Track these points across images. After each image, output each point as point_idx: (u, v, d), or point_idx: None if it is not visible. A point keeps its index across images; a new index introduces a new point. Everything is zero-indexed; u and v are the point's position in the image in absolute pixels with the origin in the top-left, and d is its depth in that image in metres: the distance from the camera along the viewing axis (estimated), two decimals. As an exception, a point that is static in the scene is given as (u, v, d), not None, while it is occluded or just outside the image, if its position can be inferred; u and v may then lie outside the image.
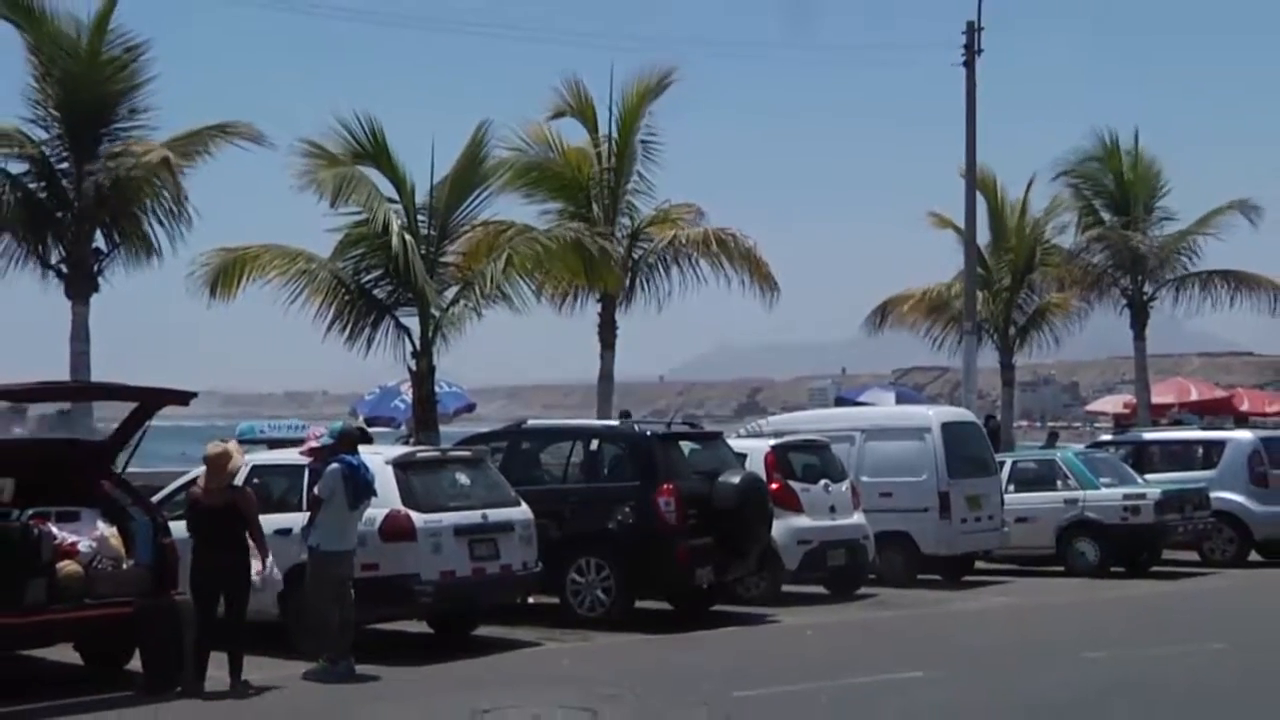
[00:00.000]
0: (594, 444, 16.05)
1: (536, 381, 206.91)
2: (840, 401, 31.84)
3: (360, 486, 11.91)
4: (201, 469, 11.92)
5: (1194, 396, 36.75)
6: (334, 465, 11.92)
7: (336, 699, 10.79)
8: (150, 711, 10.51)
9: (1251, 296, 30.03)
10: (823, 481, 17.28)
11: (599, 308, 23.73)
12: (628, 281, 23.53)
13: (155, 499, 13.20)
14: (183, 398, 12.83)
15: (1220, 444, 22.24)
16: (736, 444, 17.26)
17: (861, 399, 29.51)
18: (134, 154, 20.02)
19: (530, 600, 14.68)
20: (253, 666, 11.57)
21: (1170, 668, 11.92)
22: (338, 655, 11.62)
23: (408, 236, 19.59)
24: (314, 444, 12.70)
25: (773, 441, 17.63)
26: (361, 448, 12.76)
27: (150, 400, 12.73)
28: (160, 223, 20.65)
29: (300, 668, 11.70)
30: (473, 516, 13.18)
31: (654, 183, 24.17)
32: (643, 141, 23.82)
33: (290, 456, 13.47)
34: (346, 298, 19.88)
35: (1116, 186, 30.03)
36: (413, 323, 20.08)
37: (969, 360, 27.41)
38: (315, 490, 12.01)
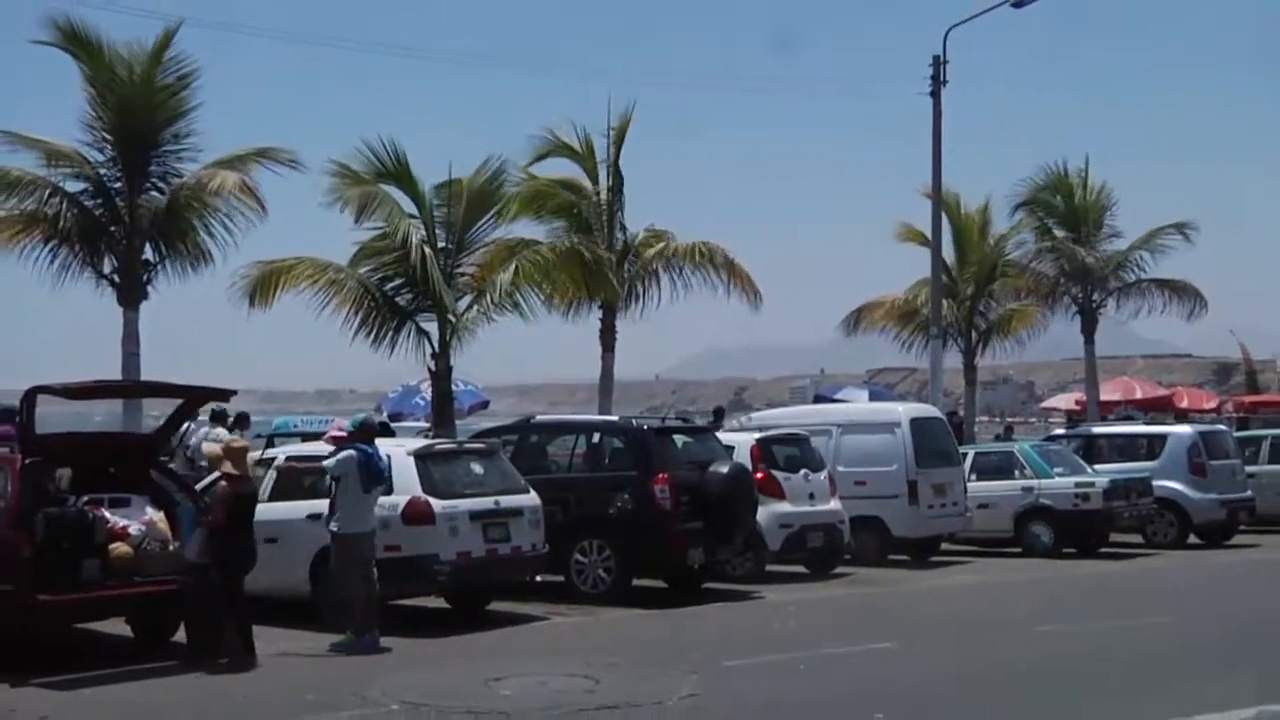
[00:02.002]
0: (596, 437, 16.04)
1: (544, 380, 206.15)
2: (819, 399, 31.80)
3: (373, 473, 11.86)
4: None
5: (1139, 395, 36.84)
6: (349, 451, 11.89)
7: (361, 668, 10.76)
8: (192, 679, 10.51)
9: (1181, 302, 30.23)
10: (803, 471, 17.25)
11: (600, 314, 23.77)
12: (624, 290, 23.57)
13: (198, 486, 13.19)
14: (223, 395, 12.84)
15: (1162, 437, 22.20)
16: (725, 437, 17.25)
17: (838, 396, 29.50)
18: (201, 179, 20.06)
19: (538, 579, 14.66)
20: (285, 639, 11.58)
21: (1118, 639, 11.91)
22: (363, 629, 11.60)
23: (427, 249, 19.65)
24: (336, 433, 12.67)
25: (758, 435, 17.64)
26: (385, 441, 12.72)
27: (194, 397, 12.73)
28: (213, 236, 20.67)
29: (329, 640, 11.68)
30: (486, 502, 13.16)
31: (647, 202, 24.28)
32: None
33: (321, 448, 13.44)
34: (371, 305, 19.93)
35: (1067, 208, 30.07)
36: (432, 327, 20.13)
37: (935, 362, 27.41)
38: (327, 463, 11.92)
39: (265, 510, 13.18)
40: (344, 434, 12.38)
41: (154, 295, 20.60)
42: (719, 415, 18.46)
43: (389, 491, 12.47)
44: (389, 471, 12.23)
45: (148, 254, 20.54)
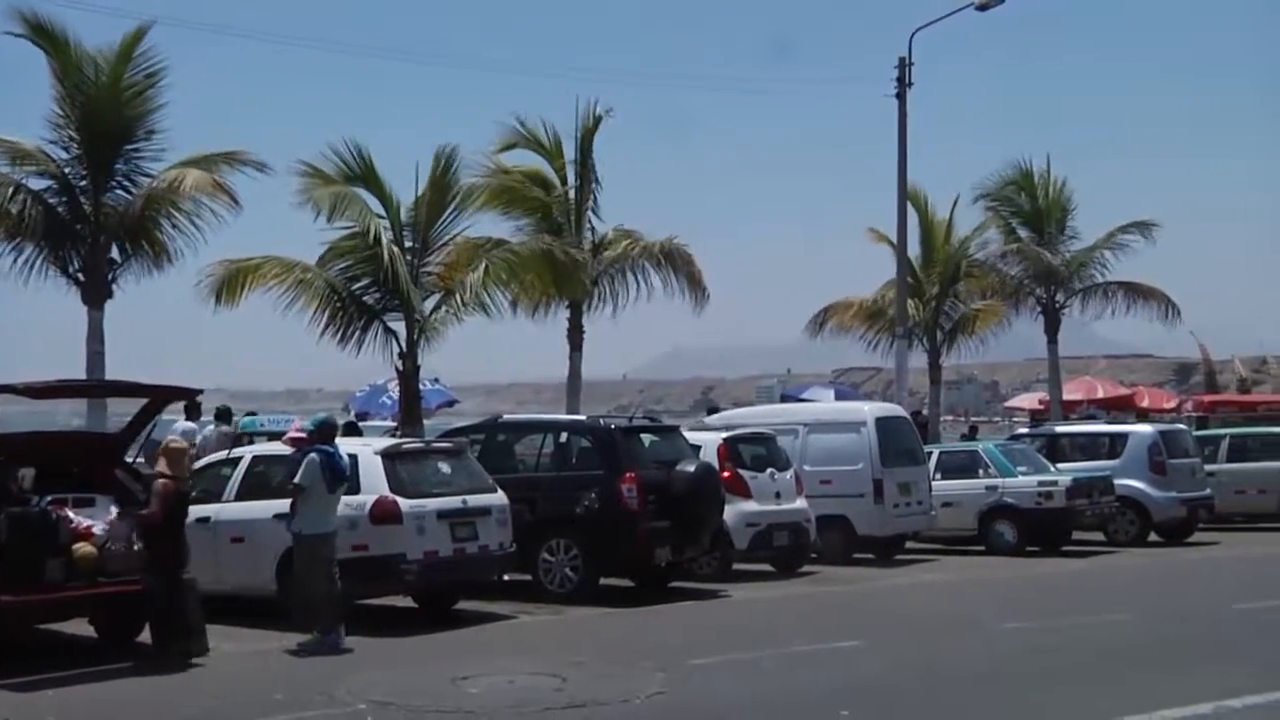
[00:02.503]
0: (563, 436, 16.00)
1: (512, 380, 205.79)
2: (785, 398, 31.87)
3: (337, 472, 11.80)
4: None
5: (1100, 394, 37.07)
6: (312, 455, 11.78)
7: (329, 667, 10.70)
8: (157, 679, 10.41)
9: (1145, 304, 30.50)
10: (769, 470, 17.27)
11: (568, 314, 23.76)
12: (592, 289, 23.58)
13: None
14: (189, 394, 12.75)
15: (1124, 436, 22.36)
16: (692, 436, 17.24)
17: (804, 396, 29.57)
18: (173, 181, 19.91)
19: (505, 578, 14.62)
20: (253, 638, 11.48)
21: (1080, 635, 11.97)
22: (328, 628, 11.52)
23: (394, 249, 19.59)
24: (295, 435, 12.56)
25: (724, 434, 17.65)
26: (352, 440, 12.61)
27: (159, 396, 12.62)
28: (181, 234, 20.53)
29: (296, 639, 11.59)
30: (454, 502, 13.11)
31: (616, 202, 24.38)
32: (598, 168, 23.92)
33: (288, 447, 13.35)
34: (339, 304, 19.86)
35: (1031, 208, 30.27)
36: (399, 326, 20.06)
37: (900, 361, 27.51)
38: (296, 480, 11.77)
39: (232, 510, 13.17)
40: (303, 435, 12.26)
41: (120, 294, 20.46)
42: (711, 411, 18.78)
43: (355, 491, 12.42)
44: (350, 470, 12.17)
45: (114, 253, 20.37)
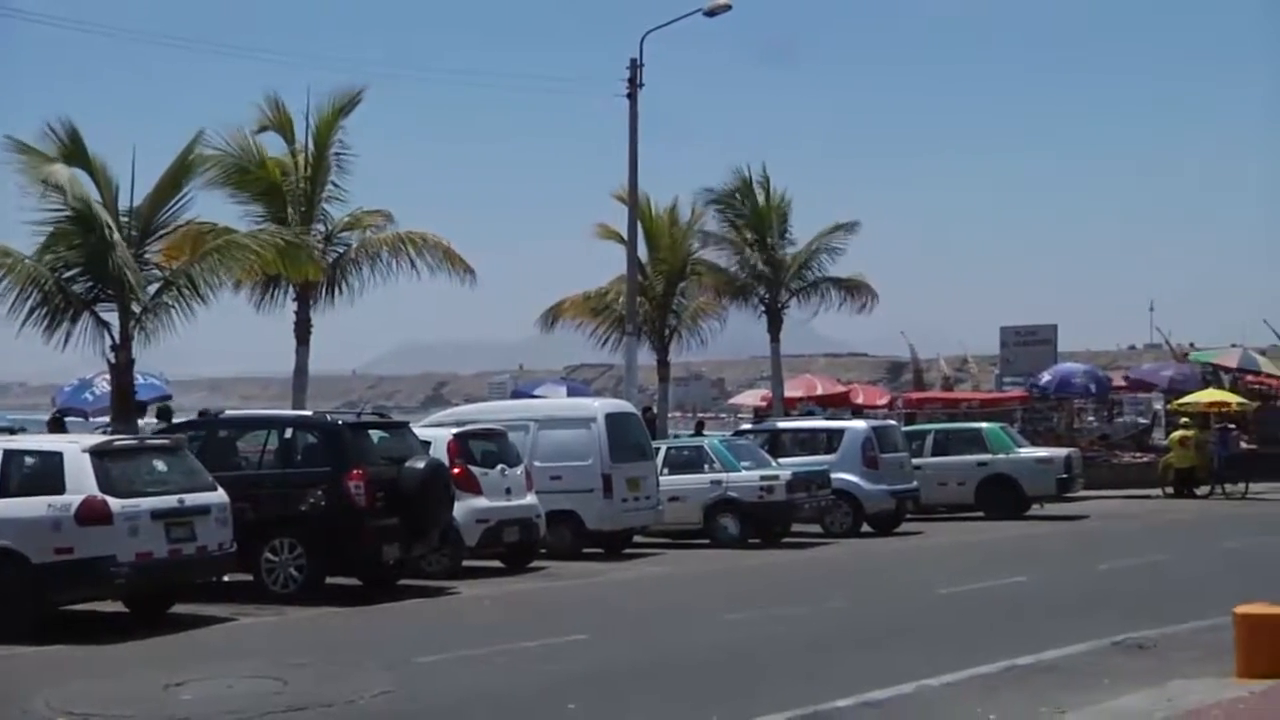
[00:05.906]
0: (288, 432, 15.53)
1: (237, 374, 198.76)
2: (517, 394, 31.88)
3: None
4: None
5: (819, 391, 38.65)
6: None
7: (27, 677, 10.04)
8: None
9: (856, 300, 31.92)
10: (500, 466, 17.28)
11: (295, 306, 23.12)
12: (323, 281, 23.02)
13: None
14: None
15: (840, 432, 23.39)
16: (421, 432, 17.06)
17: (536, 392, 29.67)
18: None
19: (226, 579, 14.11)
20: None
21: (798, 623, 12.45)
22: None
23: (109, 234, 18.54)
24: None
25: (455, 430, 17.53)
26: (58, 437, 11.89)
27: None
28: None
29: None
30: (169, 501, 12.57)
31: (348, 191, 23.93)
32: (336, 154, 23.46)
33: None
34: (43, 293, 18.63)
35: (753, 212, 31.24)
36: (113, 317, 19.00)
37: (630, 358, 27.96)
38: None
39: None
40: None
41: None
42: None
43: (60, 490, 11.78)
44: (55, 468, 11.48)
45: None
